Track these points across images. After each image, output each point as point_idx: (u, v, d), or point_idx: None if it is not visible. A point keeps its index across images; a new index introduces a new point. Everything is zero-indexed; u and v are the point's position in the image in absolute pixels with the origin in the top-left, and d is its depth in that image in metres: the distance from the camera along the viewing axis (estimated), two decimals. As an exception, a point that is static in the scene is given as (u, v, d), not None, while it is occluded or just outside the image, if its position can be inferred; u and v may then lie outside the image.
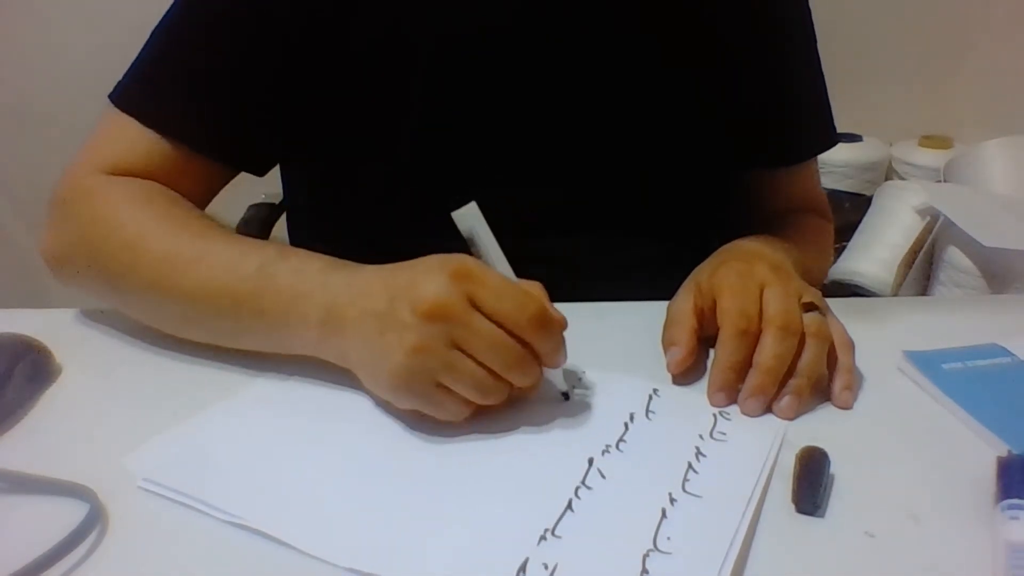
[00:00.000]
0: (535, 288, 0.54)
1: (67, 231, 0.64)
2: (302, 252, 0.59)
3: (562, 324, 0.53)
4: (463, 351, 0.49)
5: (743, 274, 0.60)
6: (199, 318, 0.59)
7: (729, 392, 0.56)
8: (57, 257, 0.64)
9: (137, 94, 0.67)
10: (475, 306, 0.49)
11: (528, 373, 0.52)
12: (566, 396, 0.56)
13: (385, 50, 0.68)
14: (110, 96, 0.67)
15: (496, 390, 0.51)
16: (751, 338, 0.56)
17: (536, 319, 0.50)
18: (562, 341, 0.53)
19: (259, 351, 0.58)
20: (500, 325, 0.50)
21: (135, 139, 0.65)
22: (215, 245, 0.60)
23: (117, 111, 0.66)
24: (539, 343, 0.51)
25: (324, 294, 0.54)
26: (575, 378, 0.58)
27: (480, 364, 0.50)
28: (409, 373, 0.50)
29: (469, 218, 0.52)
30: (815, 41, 0.80)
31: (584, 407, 0.55)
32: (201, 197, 0.69)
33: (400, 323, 0.50)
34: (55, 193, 0.66)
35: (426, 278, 0.50)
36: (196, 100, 0.66)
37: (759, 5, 0.74)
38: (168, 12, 0.67)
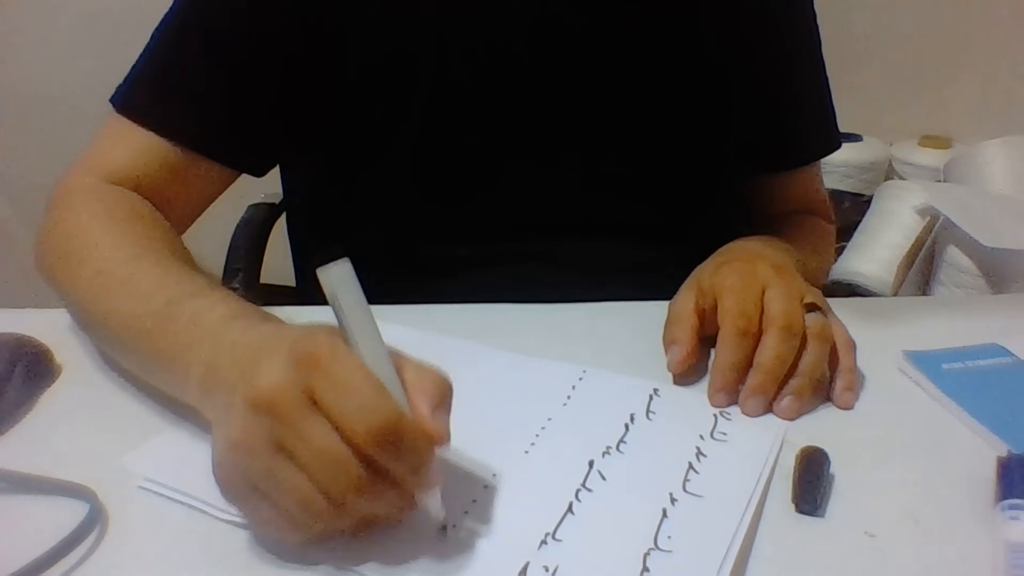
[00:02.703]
0: (425, 380, 0.40)
1: (42, 233, 0.64)
2: (217, 295, 0.51)
3: (431, 438, 0.39)
4: (292, 457, 0.39)
5: (745, 274, 0.60)
6: (114, 344, 0.57)
7: (730, 392, 0.56)
8: (35, 257, 0.64)
9: (136, 97, 0.66)
10: (316, 403, 0.38)
11: (373, 499, 0.39)
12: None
13: (386, 59, 0.68)
14: (111, 100, 0.67)
15: (330, 515, 0.39)
16: (752, 338, 0.56)
17: (380, 431, 0.37)
18: (427, 461, 0.39)
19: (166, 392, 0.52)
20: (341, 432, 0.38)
21: (133, 142, 0.65)
22: (144, 269, 0.55)
23: (118, 115, 0.66)
24: (388, 462, 0.38)
25: (211, 348, 0.46)
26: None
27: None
28: (226, 469, 0.41)
29: (333, 279, 0.39)
30: (819, 45, 0.80)
31: (584, 408, 0.55)
32: (198, 202, 0.69)
33: (233, 407, 0.40)
34: (50, 195, 0.65)
35: (271, 358, 0.39)
36: (196, 102, 0.66)
37: (762, 8, 0.74)
38: (167, 14, 0.67)
